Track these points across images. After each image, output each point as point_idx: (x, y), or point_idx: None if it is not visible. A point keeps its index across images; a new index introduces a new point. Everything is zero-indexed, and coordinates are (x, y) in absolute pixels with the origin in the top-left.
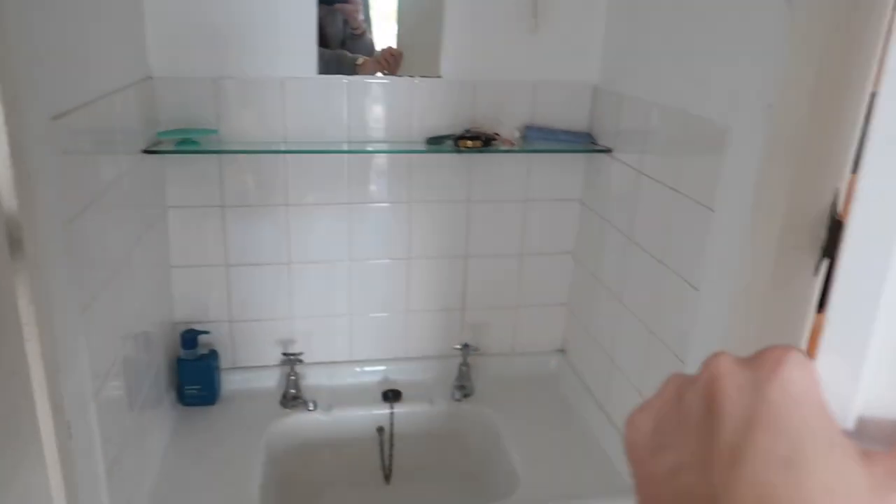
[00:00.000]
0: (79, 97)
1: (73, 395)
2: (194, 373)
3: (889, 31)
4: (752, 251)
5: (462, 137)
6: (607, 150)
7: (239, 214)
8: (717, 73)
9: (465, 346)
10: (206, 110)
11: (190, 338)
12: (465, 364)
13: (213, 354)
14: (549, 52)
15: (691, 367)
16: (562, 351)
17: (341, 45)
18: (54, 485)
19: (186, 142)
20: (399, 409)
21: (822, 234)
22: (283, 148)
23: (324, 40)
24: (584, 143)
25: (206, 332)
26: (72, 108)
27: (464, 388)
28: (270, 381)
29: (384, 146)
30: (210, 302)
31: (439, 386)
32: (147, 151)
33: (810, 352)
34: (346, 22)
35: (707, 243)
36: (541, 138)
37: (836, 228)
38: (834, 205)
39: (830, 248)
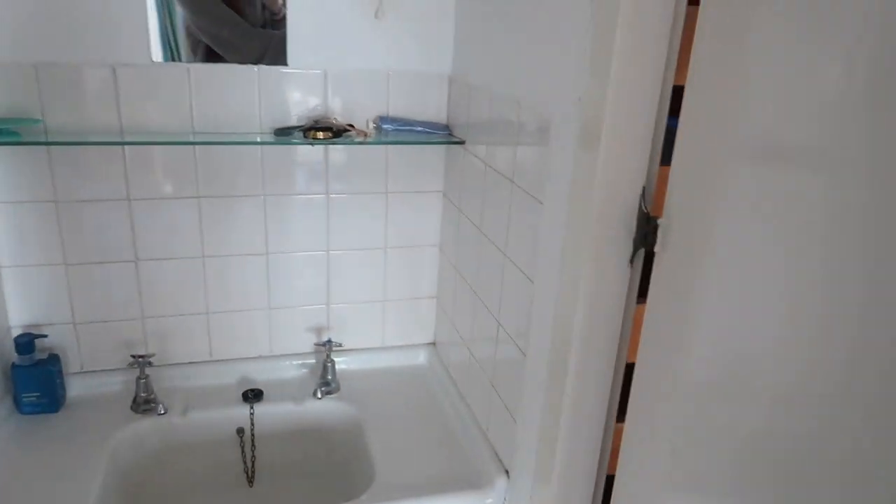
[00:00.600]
0: None
1: None
2: (31, 379)
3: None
4: (570, 243)
5: (312, 128)
6: (460, 142)
7: (76, 210)
8: (541, 63)
9: (328, 342)
10: (29, 99)
11: (25, 342)
12: (329, 360)
13: (54, 359)
14: (400, 40)
15: (532, 363)
16: (433, 344)
17: (262, 28)
18: None
19: (4, 132)
20: (260, 408)
21: (633, 226)
22: (119, 139)
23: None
24: (441, 134)
25: (43, 336)
26: None
27: (328, 384)
28: (122, 385)
29: (232, 138)
30: (50, 304)
31: (305, 384)
32: None
33: (634, 340)
34: (264, 6)
35: (539, 236)
36: (396, 130)
37: (645, 221)
38: (643, 197)
39: (642, 240)
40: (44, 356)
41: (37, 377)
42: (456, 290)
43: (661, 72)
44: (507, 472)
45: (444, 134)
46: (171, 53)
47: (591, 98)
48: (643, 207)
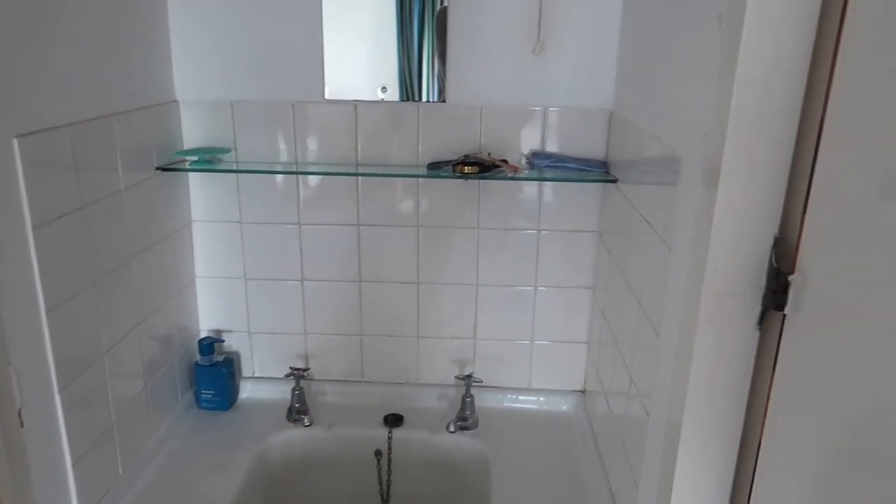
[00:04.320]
0: (57, 119)
1: (30, 388)
2: (208, 378)
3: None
4: (690, 296)
5: (461, 163)
6: (613, 181)
7: (256, 231)
8: (677, 96)
9: (469, 377)
10: (224, 131)
11: (206, 344)
12: (468, 395)
13: (229, 362)
14: (558, 75)
15: (653, 427)
16: (582, 392)
17: None
18: None
19: (201, 161)
20: (398, 433)
21: (762, 282)
22: (294, 168)
23: None
24: (598, 171)
25: (221, 341)
26: (45, 128)
27: (465, 419)
28: (285, 393)
29: (390, 170)
30: (232, 313)
31: (445, 415)
32: (161, 169)
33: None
34: None
35: (667, 285)
36: (549, 166)
37: (775, 277)
38: (774, 248)
39: (772, 300)
40: (220, 359)
41: (213, 377)
42: (601, 336)
43: (797, 104)
44: None
45: (600, 171)
46: (408, 93)
47: (714, 133)
48: (773, 261)
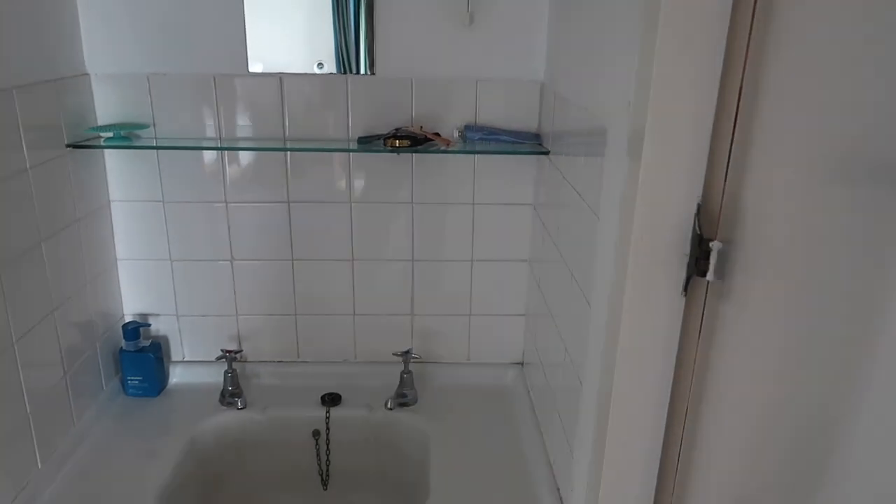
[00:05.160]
0: None
1: None
2: (135, 364)
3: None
4: (618, 264)
5: (392, 137)
6: (545, 153)
7: (180, 210)
8: (602, 66)
9: (407, 353)
10: (141, 106)
11: (130, 329)
12: (406, 371)
13: (156, 347)
14: (490, 47)
15: (586, 395)
16: (521, 364)
17: None
18: None
19: (117, 137)
20: (336, 413)
21: (686, 249)
22: (218, 144)
23: None
24: (531, 144)
25: (147, 325)
26: None
27: (403, 396)
28: (218, 377)
29: (319, 145)
30: (157, 296)
31: (384, 392)
32: (72, 146)
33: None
34: None
35: (596, 254)
36: (482, 139)
37: (699, 244)
38: (698, 216)
39: (695, 267)
40: (147, 344)
41: (139, 363)
42: (538, 309)
43: (717, 71)
44: None
45: (533, 144)
46: (345, 68)
47: (638, 102)
48: (696, 228)
